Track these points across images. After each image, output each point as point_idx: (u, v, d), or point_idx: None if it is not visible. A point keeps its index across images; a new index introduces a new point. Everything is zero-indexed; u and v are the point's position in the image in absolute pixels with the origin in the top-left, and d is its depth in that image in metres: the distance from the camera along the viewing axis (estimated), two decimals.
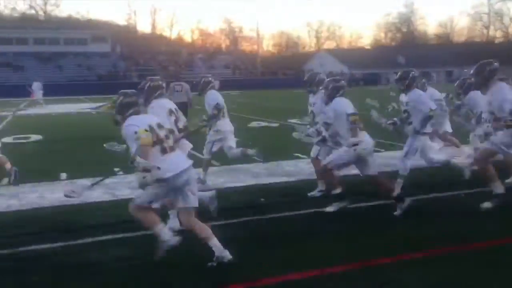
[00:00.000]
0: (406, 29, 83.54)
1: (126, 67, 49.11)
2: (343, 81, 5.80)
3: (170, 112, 5.28)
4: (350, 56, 63.51)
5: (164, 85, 5.62)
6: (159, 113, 4.94)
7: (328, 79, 6.01)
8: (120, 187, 6.93)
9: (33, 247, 4.63)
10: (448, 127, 8.68)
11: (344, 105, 5.50)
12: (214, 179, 7.38)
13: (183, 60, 53.68)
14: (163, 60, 52.48)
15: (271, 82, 48.44)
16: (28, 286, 3.83)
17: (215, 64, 54.04)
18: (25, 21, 58.50)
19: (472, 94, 6.85)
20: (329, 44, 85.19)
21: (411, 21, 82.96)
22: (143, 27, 74.47)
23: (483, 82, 5.51)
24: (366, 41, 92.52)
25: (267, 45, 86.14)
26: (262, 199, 6.25)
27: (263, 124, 15.46)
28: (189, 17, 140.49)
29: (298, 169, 8.01)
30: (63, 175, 7.83)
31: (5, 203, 6.25)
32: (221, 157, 8.08)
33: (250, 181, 7.31)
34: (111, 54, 52.70)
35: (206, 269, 3.93)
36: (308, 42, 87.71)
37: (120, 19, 70.79)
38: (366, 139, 5.39)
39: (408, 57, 57.00)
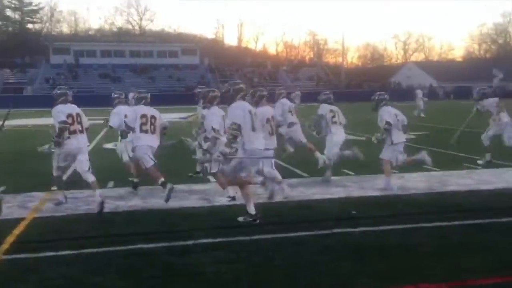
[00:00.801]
0: (503, 40, 78.72)
1: (213, 78, 50.88)
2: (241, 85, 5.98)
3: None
4: (440, 69, 61.03)
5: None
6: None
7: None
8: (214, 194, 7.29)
9: (140, 245, 5.03)
10: None
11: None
12: (304, 190, 7.52)
13: (268, 72, 54.59)
14: (248, 72, 53.72)
15: (356, 94, 47.74)
16: (140, 281, 4.17)
17: (299, 76, 54.38)
18: (122, 35, 62.71)
19: None
20: (417, 56, 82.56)
21: (508, 32, 78.11)
22: (230, 40, 76.63)
23: None
24: (457, 53, 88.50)
25: (352, 57, 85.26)
26: (354, 212, 6.28)
27: (351, 137, 15.35)
28: (274, 30, 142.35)
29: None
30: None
31: (113, 204, 6.80)
32: (311, 169, 8.22)
33: (340, 193, 7.35)
34: (200, 66, 54.89)
35: (303, 273, 4.06)
36: (395, 54, 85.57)
37: (208, 33, 73.34)
38: None
39: (505, 70, 53.65)
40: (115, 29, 70.76)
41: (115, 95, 8.83)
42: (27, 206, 6.72)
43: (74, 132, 6.67)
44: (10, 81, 47.72)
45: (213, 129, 6.58)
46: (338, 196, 7.22)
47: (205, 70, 54.16)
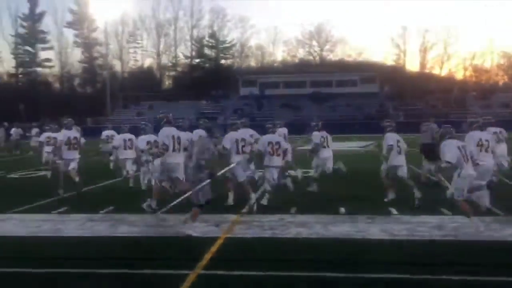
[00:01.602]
0: None
1: (394, 106, 49.52)
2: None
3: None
4: None
5: None
6: None
7: None
8: (397, 227, 7.05)
9: (322, 273, 5.13)
10: None
11: None
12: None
13: (454, 99, 51.00)
14: (432, 99, 50.94)
15: None
16: None
17: (491, 102, 49.55)
18: (303, 66, 65.42)
19: None
20: None
21: None
22: (412, 66, 73.70)
23: None
24: None
25: None
26: None
27: None
28: (461, 53, 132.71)
29: None
30: (342, 210, 8.38)
31: (295, 230, 7.07)
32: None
33: None
34: (379, 94, 54.05)
35: None
36: None
37: (388, 60, 71.87)
38: None
39: None
40: (296, 61, 74.26)
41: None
42: (221, 226, 7.40)
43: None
44: (205, 111, 53.47)
45: None
46: None
47: (385, 97, 53.09)
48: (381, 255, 5.85)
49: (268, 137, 9.23)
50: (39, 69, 72.18)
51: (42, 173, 12.67)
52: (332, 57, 75.40)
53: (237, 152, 9.01)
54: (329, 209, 8.45)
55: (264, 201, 8.77)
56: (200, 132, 10.25)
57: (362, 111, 48.49)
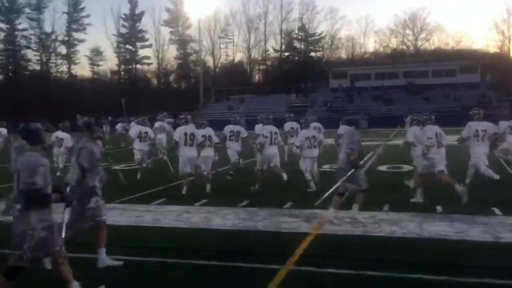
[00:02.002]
0: None
1: (497, 97, 46.08)
2: None
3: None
4: None
5: None
6: None
7: None
8: (502, 229, 6.59)
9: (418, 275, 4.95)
10: None
11: None
12: None
13: None
14: None
15: None
16: None
17: None
18: (396, 57, 62.95)
19: None
20: None
21: None
22: None
23: None
24: None
25: None
26: None
27: None
28: None
29: None
30: (439, 208, 8.00)
31: (388, 229, 6.88)
32: None
33: None
34: (480, 84, 50.55)
35: None
36: None
37: (491, 47, 66.82)
38: None
39: None
40: (389, 51, 71.73)
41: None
42: (311, 222, 7.40)
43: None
44: (294, 104, 53.52)
45: None
46: None
47: (487, 88, 49.54)
48: (483, 259, 5.50)
49: (305, 132, 10.78)
50: (138, 66, 76.80)
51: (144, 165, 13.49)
52: (428, 46, 71.94)
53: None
54: (424, 207, 8.11)
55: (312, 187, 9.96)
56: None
57: (461, 102, 45.70)
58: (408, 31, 72.93)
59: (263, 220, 7.57)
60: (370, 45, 76.35)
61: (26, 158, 4.26)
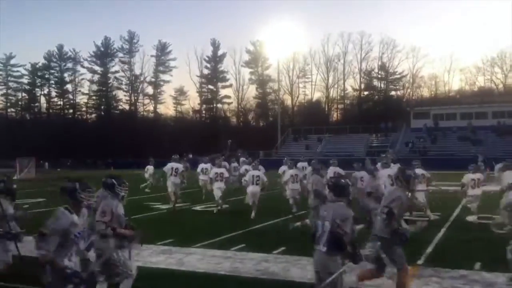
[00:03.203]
0: None
1: None
2: None
3: None
4: None
5: None
6: None
7: None
8: None
9: None
10: None
11: None
12: None
13: None
14: None
15: None
16: None
17: None
18: (485, 96, 59.77)
19: None
20: None
21: None
22: None
23: None
24: None
25: None
26: None
27: None
28: None
29: None
30: None
31: None
32: None
33: None
34: None
35: None
36: None
37: None
38: None
39: None
40: (475, 89, 68.53)
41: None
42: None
43: None
44: (374, 144, 52.33)
45: None
46: None
47: None
48: None
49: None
50: (219, 105, 79.49)
51: (221, 207, 13.73)
52: None
53: None
54: None
55: None
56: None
57: None
58: (496, 69, 69.51)
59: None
60: (455, 84, 72.98)
61: None
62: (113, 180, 5.70)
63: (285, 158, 17.35)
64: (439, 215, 13.03)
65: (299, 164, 17.36)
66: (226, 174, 14.72)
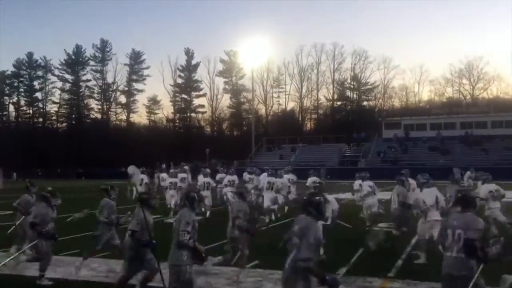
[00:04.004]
0: None
1: None
2: None
3: None
4: None
5: None
6: None
7: None
8: None
9: None
10: None
11: None
12: None
13: None
14: None
15: None
16: None
17: None
18: (453, 106, 61.23)
19: None
20: None
21: None
22: None
23: None
24: None
25: None
26: None
27: None
28: None
29: None
30: None
31: None
32: None
33: None
34: None
35: None
36: None
37: None
38: None
39: None
40: (444, 100, 70.18)
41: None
42: None
43: None
44: (347, 154, 53.00)
45: None
46: None
47: None
48: None
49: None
50: (193, 114, 79.18)
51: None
52: (486, 95, 69.92)
53: None
54: None
55: None
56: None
57: None
58: (464, 81, 71.58)
59: None
60: (425, 94, 74.64)
61: None
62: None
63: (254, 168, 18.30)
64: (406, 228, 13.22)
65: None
66: (213, 184, 16.07)
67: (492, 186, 11.29)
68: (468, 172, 22.93)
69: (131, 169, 12.15)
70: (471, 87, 71.03)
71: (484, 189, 11.38)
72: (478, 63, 69.21)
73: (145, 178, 18.34)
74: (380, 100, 75.64)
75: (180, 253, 5.49)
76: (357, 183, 14.84)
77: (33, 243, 7.72)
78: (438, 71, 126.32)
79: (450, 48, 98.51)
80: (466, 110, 56.70)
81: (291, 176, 16.90)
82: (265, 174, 16.37)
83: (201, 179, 16.21)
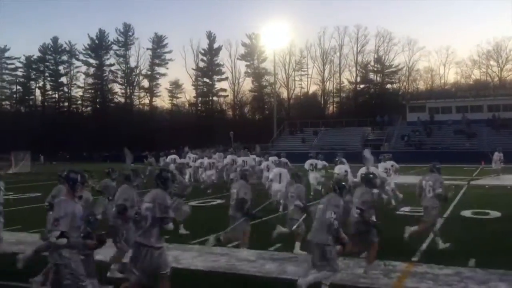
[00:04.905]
0: None
1: None
2: None
3: None
4: None
5: None
6: None
7: None
8: None
9: None
10: None
11: None
12: None
13: None
14: None
15: None
16: None
17: None
18: (480, 89, 59.86)
19: None
20: None
21: None
22: None
23: None
24: None
25: None
26: None
27: None
28: None
29: None
30: None
31: None
32: None
33: None
34: None
35: None
36: None
37: None
38: None
39: None
40: (471, 83, 68.66)
41: None
42: (390, 276, 7.07)
43: None
44: (370, 137, 52.41)
45: None
46: None
47: None
48: None
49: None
50: (215, 98, 79.35)
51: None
52: None
53: None
54: None
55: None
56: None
57: None
58: (492, 62, 69.70)
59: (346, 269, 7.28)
60: (451, 77, 73.04)
61: None
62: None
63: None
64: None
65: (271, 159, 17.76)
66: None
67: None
68: (496, 153, 24.75)
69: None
70: (499, 69, 69.27)
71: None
72: (506, 44, 67.34)
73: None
74: (404, 83, 74.37)
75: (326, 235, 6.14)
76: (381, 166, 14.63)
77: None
78: (465, 52, 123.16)
79: (477, 29, 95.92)
80: (494, 92, 55.18)
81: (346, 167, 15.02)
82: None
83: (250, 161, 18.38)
